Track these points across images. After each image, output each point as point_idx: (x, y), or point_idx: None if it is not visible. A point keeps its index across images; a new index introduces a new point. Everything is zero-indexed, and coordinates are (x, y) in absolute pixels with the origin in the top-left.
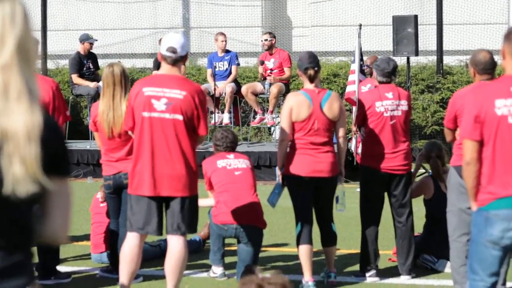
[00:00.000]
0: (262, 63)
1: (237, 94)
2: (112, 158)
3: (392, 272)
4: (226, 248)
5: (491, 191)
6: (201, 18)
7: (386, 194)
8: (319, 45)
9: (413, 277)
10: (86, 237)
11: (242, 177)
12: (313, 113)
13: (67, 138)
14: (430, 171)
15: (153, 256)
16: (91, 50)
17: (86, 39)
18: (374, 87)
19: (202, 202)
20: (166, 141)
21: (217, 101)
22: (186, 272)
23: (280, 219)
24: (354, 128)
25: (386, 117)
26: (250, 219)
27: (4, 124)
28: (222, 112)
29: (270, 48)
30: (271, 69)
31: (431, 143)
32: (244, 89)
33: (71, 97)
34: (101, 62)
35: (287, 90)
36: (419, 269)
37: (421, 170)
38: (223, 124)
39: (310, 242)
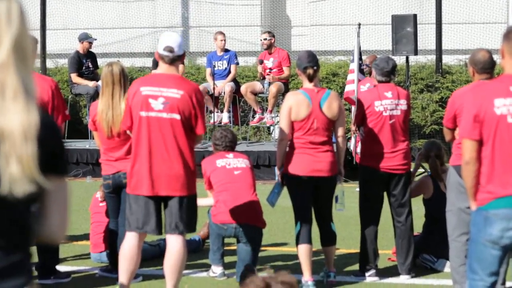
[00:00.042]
0: (261, 62)
1: (236, 94)
2: (112, 157)
3: (391, 271)
4: (226, 248)
5: (490, 190)
6: (200, 17)
7: (385, 194)
8: (318, 44)
9: (412, 277)
10: (85, 237)
11: (241, 177)
12: (312, 113)
13: (66, 137)
14: (429, 170)
15: (152, 255)
16: (90, 49)
17: (85, 38)
18: (373, 87)
19: (201, 202)
20: (163, 140)
21: (216, 100)
22: (185, 271)
23: (279, 218)
24: (353, 128)
25: (385, 116)
26: (249, 219)
27: (0, 123)
28: (221, 112)
29: (269, 47)
30: (270, 68)
31: (430, 143)
32: (243, 89)
33: (70, 96)
34: (100, 61)
35: (286, 90)
36: (419, 269)
37: (421, 170)
38: (222, 123)
39: (309, 241)
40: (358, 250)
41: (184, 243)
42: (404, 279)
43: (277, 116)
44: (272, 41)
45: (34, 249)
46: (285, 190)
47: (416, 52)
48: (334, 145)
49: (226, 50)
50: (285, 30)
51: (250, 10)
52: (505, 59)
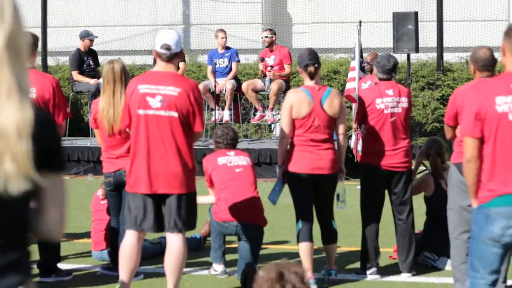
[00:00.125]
0: (263, 60)
1: (237, 91)
2: (113, 155)
3: (392, 269)
4: (227, 246)
5: (491, 188)
6: (201, 15)
7: (386, 192)
8: (319, 42)
9: (413, 275)
10: (86, 235)
11: (242, 174)
12: (314, 110)
13: (68, 135)
14: (430, 168)
15: (153, 253)
16: (91, 47)
17: (86, 35)
18: (374, 84)
19: (202, 200)
20: (161, 138)
21: (218, 98)
22: (186, 269)
23: (280, 216)
24: (354, 125)
25: (387, 114)
26: (250, 217)
27: None
28: (223, 109)
29: (271, 45)
30: (272, 66)
31: (431, 140)
32: (244, 86)
33: (71, 94)
34: (101, 59)
35: (288, 87)
36: (420, 267)
37: (422, 167)
38: (223, 121)
39: (310, 239)
40: (359, 248)
41: (184, 241)
42: (405, 277)
43: (278, 114)
44: (273, 38)
45: (34, 247)
46: (286, 188)
47: (417, 50)
48: (335, 143)
49: (227, 48)
50: (286, 28)
51: (251, 8)
52: (506, 57)
